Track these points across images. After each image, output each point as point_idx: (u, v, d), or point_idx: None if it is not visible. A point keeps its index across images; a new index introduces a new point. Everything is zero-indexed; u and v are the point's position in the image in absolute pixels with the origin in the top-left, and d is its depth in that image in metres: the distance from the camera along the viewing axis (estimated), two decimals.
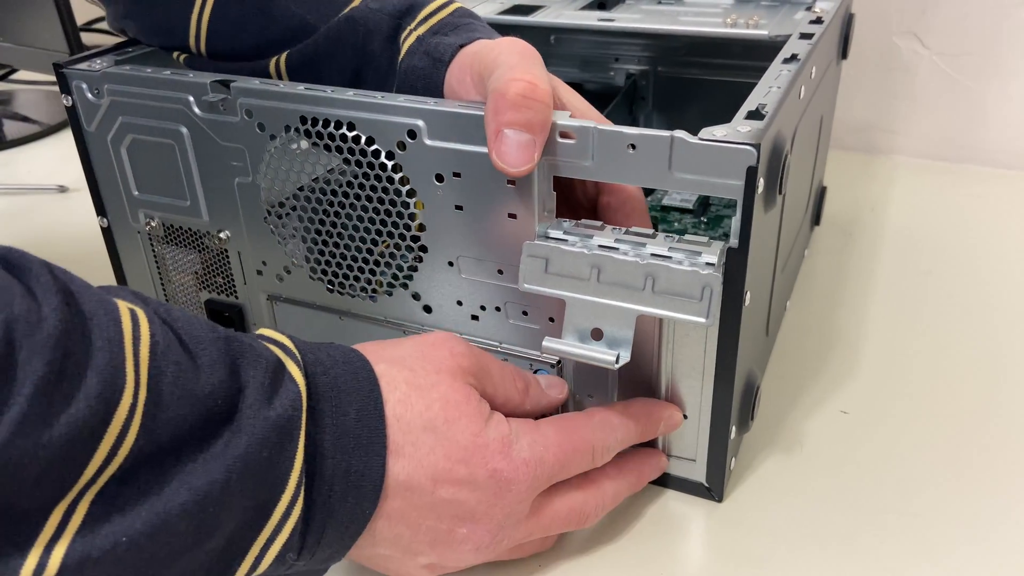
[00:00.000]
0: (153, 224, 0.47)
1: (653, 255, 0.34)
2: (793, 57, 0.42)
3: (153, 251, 0.49)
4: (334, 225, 0.42)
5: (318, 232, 0.42)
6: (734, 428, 0.39)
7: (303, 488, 0.29)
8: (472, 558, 0.34)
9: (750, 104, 0.36)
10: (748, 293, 0.36)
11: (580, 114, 0.37)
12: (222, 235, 0.45)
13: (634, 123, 0.67)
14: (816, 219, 0.63)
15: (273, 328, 0.47)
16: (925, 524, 0.40)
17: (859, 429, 0.46)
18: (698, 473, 0.40)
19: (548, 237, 0.36)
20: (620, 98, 0.65)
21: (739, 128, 0.34)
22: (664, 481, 0.41)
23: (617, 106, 0.65)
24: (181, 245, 0.48)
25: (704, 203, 0.61)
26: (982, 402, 0.48)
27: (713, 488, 0.41)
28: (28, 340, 0.23)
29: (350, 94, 0.39)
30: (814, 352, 0.52)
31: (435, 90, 0.40)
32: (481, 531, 0.33)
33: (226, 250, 0.46)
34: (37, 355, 0.23)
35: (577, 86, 0.68)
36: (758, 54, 0.61)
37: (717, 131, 0.33)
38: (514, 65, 0.34)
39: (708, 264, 0.33)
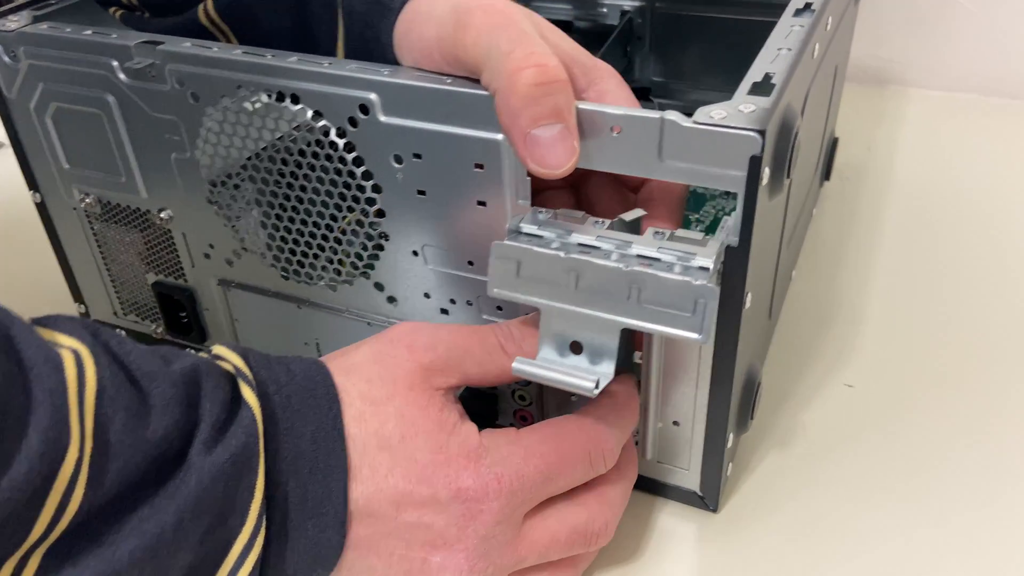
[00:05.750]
0: (88, 200, 0.43)
1: (640, 256, 0.30)
2: (807, 7, 0.37)
3: (92, 229, 0.44)
4: (283, 208, 0.37)
5: (266, 215, 0.38)
6: (731, 436, 0.36)
7: (264, 519, 0.27)
8: None
9: (755, 73, 0.31)
10: (749, 295, 0.31)
11: (568, 59, 0.32)
12: (163, 215, 0.41)
13: (629, 66, 0.62)
14: (826, 174, 0.58)
15: (228, 316, 0.43)
16: (940, 513, 0.37)
17: (865, 404, 0.43)
18: (691, 482, 0.37)
19: (520, 233, 0.31)
20: (614, 38, 0.59)
21: (741, 108, 0.28)
22: (654, 488, 0.38)
23: (611, 47, 0.59)
24: (121, 223, 0.43)
25: None
26: (993, 366, 0.44)
27: (707, 497, 0.37)
28: None
29: (293, 60, 0.34)
30: (817, 321, 0.48)
31: (383, 42, 0.35)
32: (457, 557, 0.30)
33: (169, 230, 0.41)
34: None
35: (565, 25, 0.62)
36: None
37: (715, 112, 0.28)
38: (508, 50, 0.29)
39: (702, 269, 0.29)
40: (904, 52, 0.73)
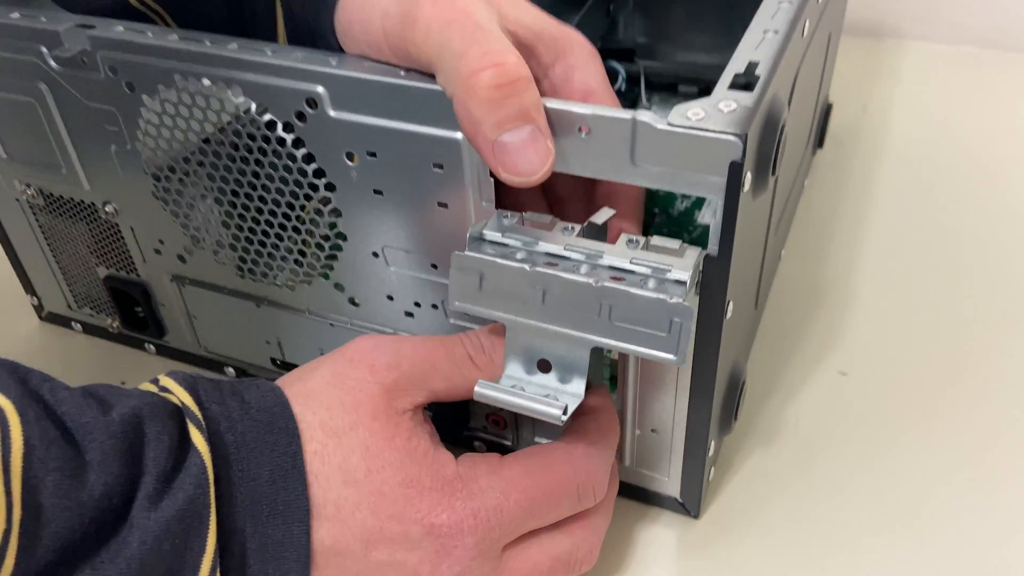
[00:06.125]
0: (30, 192, 0.40)
1: (611, 268, 0.27)
2: None
3: (38, 221, 0.42)
4: (233, 205, 0.34)
5: (215, 212, 0.35)
6: (713, 443, 0.34)
7: (218, 572, 0.25)
8: None
9: (737, 63, 0.28)
10: (731, 304, 0.29)
11: (531, 35, 0.29)
12: (108, 208, 0.38)
13: (612, 26, 0.58)
14: (819, 141, 0.55)
15: (186, 312, 0.40)
16: (942, 515, 0.35)
17: (860, 393, 0.40)
18: (671, 488, 0.35)
19: (483, 240, 0.29)
20: None
21: (721, 106, 0.26)
22: (633, 494, 0.36)
23: (593, 6, 0.55)
24: (66, 216, 0.40)
25: None
26: (1003, 348, 0.42)
27: (688, 504, 0.35)
28: None
29: (233, 47, 0.31)
30: (808, 303, 0.46)
31: (323, 27, 0.32)
32: None
33: (116, 224, 0.39)
34: None
35: None
36: None
37: (692, 111, 0.26)
38: (461, 51, 0.26)
39: (678, 283, 0.26)
40: (900, 3, 0.70)
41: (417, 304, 0.34)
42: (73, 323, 0.46)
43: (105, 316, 0.44)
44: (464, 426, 0.37)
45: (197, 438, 0.25)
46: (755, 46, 0.29)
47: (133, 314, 0.43)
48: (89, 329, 0.46)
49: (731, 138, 0.25)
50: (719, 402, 0.33)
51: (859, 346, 0.43)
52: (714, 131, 0.25)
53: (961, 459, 0.37)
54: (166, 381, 0.27)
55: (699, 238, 0.46)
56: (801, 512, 0.35)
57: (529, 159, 0.26)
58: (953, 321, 0.44)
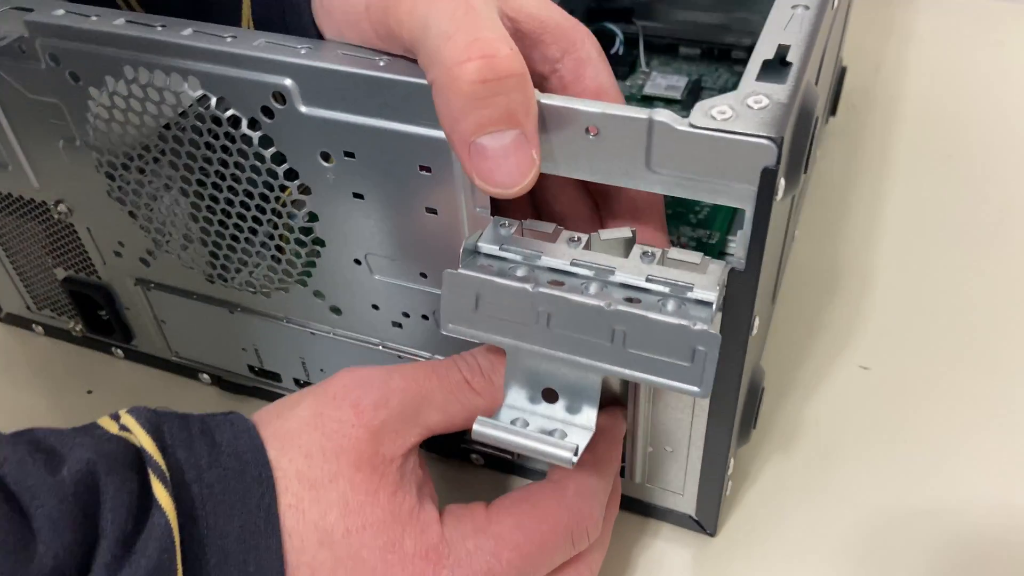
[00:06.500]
0: None
1: (624, 287, 0.24)
2: None
3: None
4: (196, 207, 0.31)
5: (175, 213, 0.32)
6: (732, 460, 0.31)
7: None
8: None
9: (766, 47, 0.24)
10: (756, 319, 0.26)
11: (536, 24, 0.26)
12: (61, 208, 0.34)
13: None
14: (833, 109, 0.51)
15: (153, 317, 0.37)
16: (979, 526, 0.32)
17: (885, 389, 0.38)
18: (686, 505, 0.32)
19: (478, 253, 0.26)
20: None
21: (750, 103, 0.22)
22: (643, 510, 0.33)
23: None
24: (17, 215, 0.37)
25: (695, 89, 0.49)
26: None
27: (704, 522, 0.33)
28: None
29: (187, 33, 0.27)
30: (824, 288, 0.43)
31: (295, 3, 0.28)
32: None
33: (71, 224, 0.35)
34: None
35: None
36: None
37: (717, 109, 0.22)
38: (448, 33, 0.22)
39: (701, 304, 0.23)
40: None
41: (406, 314, 0.31)
42: (34, 325, 0.42)
43: (67, 319, 0.41)
44: (460, 438, 0.34)
45: (160, 492, 0.22)
46: (784, 25, 0.25)
47: (97, 317, 0.39)
48: (51, 332, 0.42)
49: (764, 142, 0.21)
50: (738, 415, 0.30)
51: (881, 336, 0.40)
52: (744, 133, 0.21)
53: (1002, 459, 0.35)
54: (127, 419, 0.24)
55: (705, 219, 0.42)
56: (824, 523, 0.33)
57: (508, 169, 0.23)
58: (982, 304, 0.41)
